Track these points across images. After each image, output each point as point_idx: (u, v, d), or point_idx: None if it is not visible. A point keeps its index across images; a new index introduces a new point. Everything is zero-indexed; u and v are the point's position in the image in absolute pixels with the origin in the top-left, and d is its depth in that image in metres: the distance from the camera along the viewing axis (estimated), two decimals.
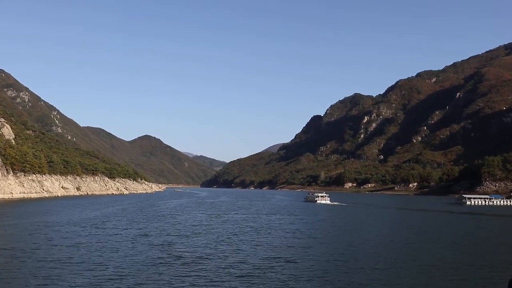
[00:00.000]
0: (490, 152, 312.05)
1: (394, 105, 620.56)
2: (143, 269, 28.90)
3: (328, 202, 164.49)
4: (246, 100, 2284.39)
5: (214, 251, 37.45)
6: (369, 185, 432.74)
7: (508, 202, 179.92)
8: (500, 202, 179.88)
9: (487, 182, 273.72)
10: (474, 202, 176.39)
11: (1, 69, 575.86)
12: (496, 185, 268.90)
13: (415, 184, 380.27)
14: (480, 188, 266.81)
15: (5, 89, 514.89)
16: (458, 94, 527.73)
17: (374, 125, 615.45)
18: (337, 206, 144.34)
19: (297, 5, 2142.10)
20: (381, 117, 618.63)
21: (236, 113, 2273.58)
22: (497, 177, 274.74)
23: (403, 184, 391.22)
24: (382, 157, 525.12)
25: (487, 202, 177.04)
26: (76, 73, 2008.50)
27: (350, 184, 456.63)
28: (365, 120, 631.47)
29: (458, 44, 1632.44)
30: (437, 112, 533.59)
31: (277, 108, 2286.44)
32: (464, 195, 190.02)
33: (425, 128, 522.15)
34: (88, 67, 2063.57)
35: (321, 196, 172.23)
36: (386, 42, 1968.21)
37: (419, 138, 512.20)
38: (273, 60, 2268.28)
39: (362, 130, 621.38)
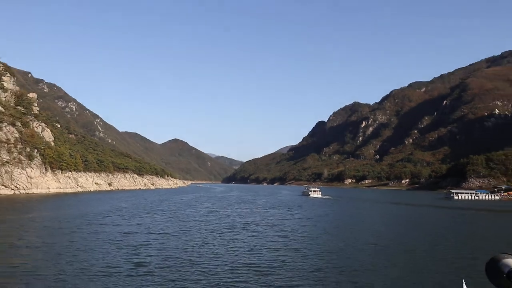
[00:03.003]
0: (474, 152, 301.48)
1: (388, 111, 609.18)
2: (79, 281, 20.94)
3: (320, 196, 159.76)
4: (262, 108, 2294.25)
5: (183, 256, 28.54)
6: (367, 181, 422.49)
7: (492, 197, 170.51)
8: (485, 196, 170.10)
9: (471, 179, 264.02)
10: (461, 197, 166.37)
11: (53, 83, 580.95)
12: (480, 181, 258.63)
13: (407, 180, 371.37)
14: (465, 184, 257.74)
15: (56, 100, 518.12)
16: (445, 102, 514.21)
17: (371, 129, 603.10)
18: (327, 200, 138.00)
19: (305, 28, 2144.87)
20: (377, 122, 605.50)
21: (253, 119, 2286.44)
22: (481, 174, 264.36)
23: (396, 180, 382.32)
24: (378, 157, 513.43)
25: (473, 197, 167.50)
26: (115, 85, 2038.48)
27: (349, 180, 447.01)
28: (363, 125, 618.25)
29: (445, 58, 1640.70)
30: (426, 118, 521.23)
31: (287, 115, 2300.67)
32: (452, 190, 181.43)
33: (415, 131, 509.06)
34: (124, 80, 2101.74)
35: (314, 191, 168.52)
36: (381, 56, 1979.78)
37: (411, 140, 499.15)
38: (284, 76, 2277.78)
39: (360, 134, 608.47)
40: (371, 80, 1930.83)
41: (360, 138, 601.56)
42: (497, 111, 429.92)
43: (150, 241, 35.35)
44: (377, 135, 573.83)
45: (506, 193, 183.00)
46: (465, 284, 4.15)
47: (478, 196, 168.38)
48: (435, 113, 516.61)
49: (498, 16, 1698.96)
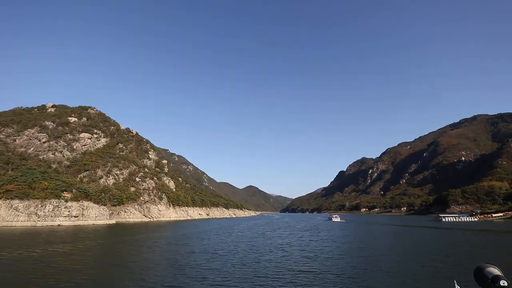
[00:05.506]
0: (450, 187, 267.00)
1: (386, 162, 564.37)
2: None
3: (339, 220, 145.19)
4: (306, 163, 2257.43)
5: (217, 278, 20.27)
6: (376, 209, 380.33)
7: (471, 219, 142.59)
8: (466, 218, 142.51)
9: (453, 206, 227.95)
10: (448, 219, 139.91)
11: (181, 155, 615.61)
12: (459, 207, 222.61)
13: (405, 208, 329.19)
14: (449, 209, 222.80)
15: (181, 164, 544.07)
16: (424, 154, 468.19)
17: (375, 174, 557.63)
18: (343, 223, 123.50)
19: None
20: (379, 170, 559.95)
21: (299, 170, 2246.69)
22: (459, 202, 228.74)
23: (397, 208, 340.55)
24: (382, 192, 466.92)
25: (456, 219, 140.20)
26: (216, 153, 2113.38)
27: (364, 209, 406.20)
28: (370, 172, 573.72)
29: (421, 125, 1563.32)
30: (413, 165, 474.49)
31: (321, 168, 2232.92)
32: (440, 215, 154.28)
33: (407, 174, 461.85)
34: (221, 150, 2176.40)
35: (335, 217, 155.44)
36: (378, 125, 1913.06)
37: (404, 181, 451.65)
38: (319, 139, 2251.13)
39: (368, 178, 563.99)
40: (373, 142, 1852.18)
41: (369, 181, 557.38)
42: (463, 158, 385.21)
43: (199, 261, 27.50)
44: (380, 178, 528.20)
45: (483, 216, 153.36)
46: (457, 283, 3.95)
47: (461, 219, 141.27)
48: (419, 162, 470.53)
49: (457, 91, 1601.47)
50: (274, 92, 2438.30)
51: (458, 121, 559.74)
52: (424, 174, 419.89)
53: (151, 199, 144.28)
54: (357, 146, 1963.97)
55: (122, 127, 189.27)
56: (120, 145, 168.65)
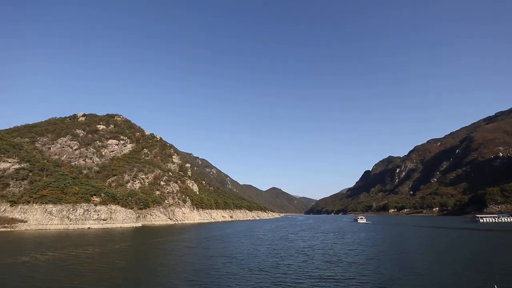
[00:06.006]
0: (485, 186, 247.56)
1: (415, 160, 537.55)
2: None
3: (364, 221, 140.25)
4: (329, 164, 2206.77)
5: (232, 285, 19.23)
6: (405, 210, 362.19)
7: None
8: (506, 219, 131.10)
9: (491, 205, 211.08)
10: (486, 220, 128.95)
11: (204, 158, 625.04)
12: (498, 207, 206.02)
13: (437, 208, 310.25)
14: (486, 209, 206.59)
15: (205, 168, 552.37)
16: (457, 150, 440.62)
17: (403, 173, 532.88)
18: (369, 224, 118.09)
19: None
20: (407, 168, 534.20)
21: (323, 171, 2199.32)
22: (498, 201, 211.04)
23: (428, 209, 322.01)
24: (411, 192, 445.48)
25: (496, 220, 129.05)
26: (240, 157, 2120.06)
27: (392, 210, 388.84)
28: (397, 171, 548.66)
29: (451, 120, 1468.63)
30: (444, 163, 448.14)
31: (346, 168, 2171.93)
32: (477, 215, 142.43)
33: (438, 173, 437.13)
34: (245, 154, 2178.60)
35: (360, 218, 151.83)
36: (407, 123, 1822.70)
37: (435, 179, 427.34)
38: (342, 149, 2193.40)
39: (396, 177, 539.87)
40: (398, 139, 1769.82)
41: (396, 180, 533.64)
42: (501, 154, 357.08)
43: (216, 265, 26.60)
44: (408, 178, 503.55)
45: None
46: None
47: (501, 219, 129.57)
48: (451, 159, 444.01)
49: (491, 87, 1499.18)
50: (284, 93, 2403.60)
51: (493, 114, 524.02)
52: (457, 172, 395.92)
53: (176, 202, 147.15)
54: (382, 144, 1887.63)
55: (147, 132, 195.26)
56: (145, 150, 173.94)
